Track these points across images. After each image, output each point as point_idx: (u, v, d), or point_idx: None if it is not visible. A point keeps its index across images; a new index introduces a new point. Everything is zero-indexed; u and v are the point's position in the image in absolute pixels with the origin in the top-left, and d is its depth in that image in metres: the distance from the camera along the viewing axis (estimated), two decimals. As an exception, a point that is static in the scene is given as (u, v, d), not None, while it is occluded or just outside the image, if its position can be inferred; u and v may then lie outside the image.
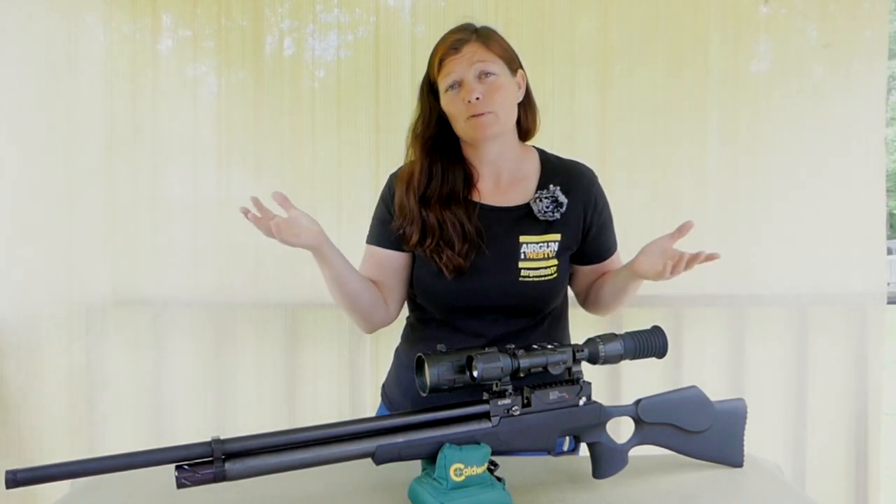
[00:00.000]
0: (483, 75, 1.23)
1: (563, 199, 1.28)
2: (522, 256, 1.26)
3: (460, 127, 1.26)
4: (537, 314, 1.31)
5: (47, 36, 2.07)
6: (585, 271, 1.38)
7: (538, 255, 1.27)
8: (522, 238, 1.27)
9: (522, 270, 1.26)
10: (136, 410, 2.11)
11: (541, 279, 1.27)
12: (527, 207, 1.29)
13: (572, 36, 2.09)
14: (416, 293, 1.34)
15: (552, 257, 1.28)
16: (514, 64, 1.29)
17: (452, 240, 1.25)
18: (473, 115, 1.22)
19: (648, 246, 1.21)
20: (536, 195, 1.29)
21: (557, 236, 1.28)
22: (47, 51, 2.07)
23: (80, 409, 2.11)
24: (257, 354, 2.13)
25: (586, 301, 1.43)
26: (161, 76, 2.10)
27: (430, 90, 1.30)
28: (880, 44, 2.04)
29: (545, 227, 1.28)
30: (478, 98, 1.21)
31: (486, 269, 1.26)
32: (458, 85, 1.23)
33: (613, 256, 1.39)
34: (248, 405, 2.13)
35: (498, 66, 1.24)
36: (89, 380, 2.11)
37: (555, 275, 1.28)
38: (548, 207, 1.27)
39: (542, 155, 1.36)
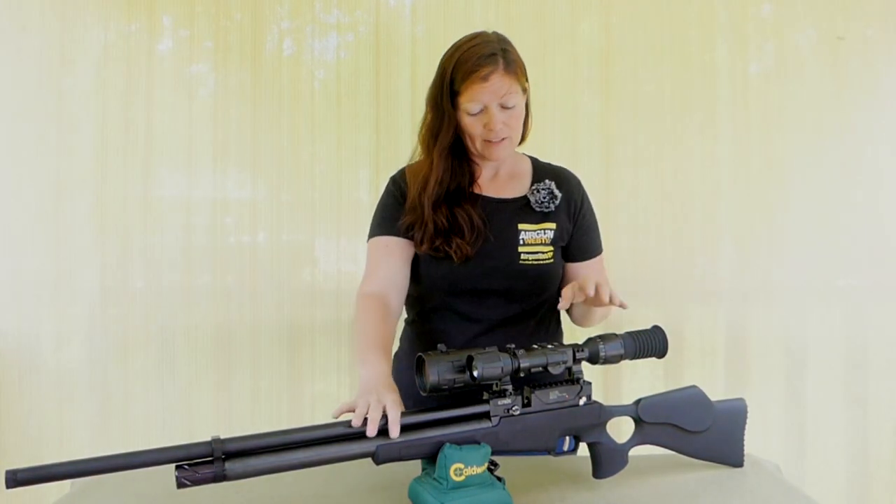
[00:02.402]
0: (505, 106, 1.29)
1: (557, 192, 1.37)
2: (521, 242, 1.34)
3: (475, 147, 1.33)
4: (535, 298, 1.35)
5: (44, 35, 2.06)
6: (571, 270, 1.41)
7: (536, 240, 1.34)
8: (521, 226, 1.35)
9: (522, 254, 1.33)
10: (132, 412, 2.10)
11: (539, 262, 1.34)
12: (524, 199, 1.37)
13: (574, 36, 2.09)
14: (421, 278, 1.36)
15: (548, 244, 1.35)
16: (525, 82, 1.34)
17: (463, 230, 1.32)
18: (491, 141, 1.30)
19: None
20: (533, 187, 1.38)
21: (553, 225, 1.36)
22: (44, 50, 2.06)
23: (75, 412, 2.10)
24: (254, 355, 2.12)
25: (570, 310, 1.43)
26: (159, 76, 2.09)
27: (450, 101, 1.31)
28: (894, 39, 2.04)
29: (541, 218, 1.36)
30: (499, 126, 1.29)
31: (489, 253, 1.32)
32: (480, 112, 1.29)
33: (596, 259, 1.44)
34: (246, 406, 2.12)
35: (518, 96, 1.30)
36: (83, 382, 2.10)
37: (551, 260, 1.35)
38: (544, 198, 1.36)
39: (534, 160, 1.46)
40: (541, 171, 1.42)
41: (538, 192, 1.36)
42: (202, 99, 2.11)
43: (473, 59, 1.28)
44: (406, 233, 1.33)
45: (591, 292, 1.10)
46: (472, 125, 1.30)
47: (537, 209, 1.35)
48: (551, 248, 1.35)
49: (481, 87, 1.26)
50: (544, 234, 1.35)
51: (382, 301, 1.29)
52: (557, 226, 1.36)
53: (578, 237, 1.40)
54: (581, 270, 1.41)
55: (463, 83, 1.28)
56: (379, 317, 1.26)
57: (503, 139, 1.30)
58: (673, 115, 2.08)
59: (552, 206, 1.35)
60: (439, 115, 1.33)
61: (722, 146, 2.09)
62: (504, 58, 1.29)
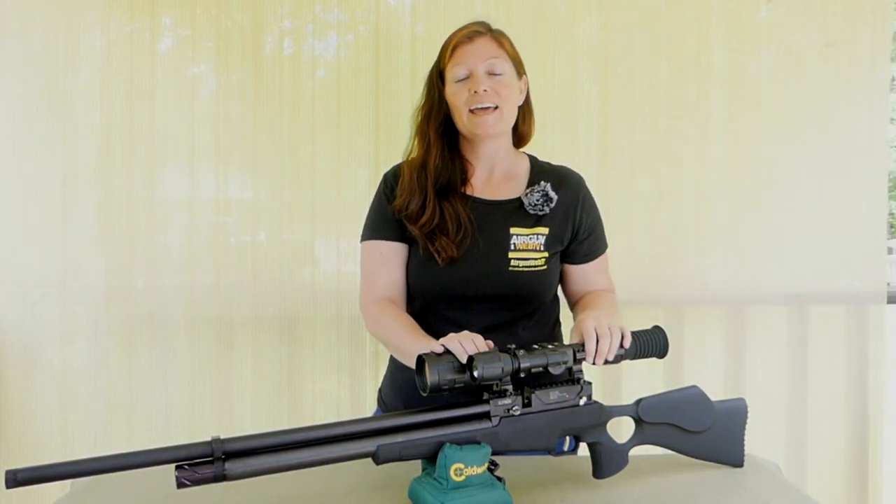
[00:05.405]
0: (492, 73, 1.28)
1: (553, 194, 1.32)
2: (512, 248, 1.29)
3: (462, 120, 1.30)
4: (526, 306, 1.32)
5: (45, 36, 2.06)
6: (575, 273, 1.39)
7: (527, 246, 1.30)
8: (513, 230, 1.30)
9: (512, 260, 1.28)
10: (134, 411, 2.10)
11: (530, 269, 1.29)
12: (518, 201, 1.33)
13: (573, 36, 2.09)
14: (409, 284, 1.35)
15: (541, 250, 1.30)
16: (520, 67, 1.34)
17: (448, 227, 1.28)
18: (478, 109, 1.27)
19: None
20: (528, 190, 1.33)
21: (545, 230, 1.31)
22: (45, 50, 2.07)
23: (78, 410, 2.10)
24: (255, 355, 2.12)
25: (573, 310, 1.42)
26: (160, 76, 2.09)
27: (439, 78, 1.33)
28: (883, 44, 2.05)
29: (535, 221, 1.31)
30: (485, 90, 1.26)
31: (477, 258, 1.29)
32: (467, 78, 1.28)
33: (601, 258, 1.41)
34: (246, 406, 2.12)
35: (507, 66, 1.30)
36: (87, 380, 2.10)
37: (544, 266, 1.30)
38: (538, 201, 1.31)
39: (533, 160, 1.41)
40: (539, 171, 1.37)
41: (532, 193, 1.31)
42: (203, 99, 2.11)
43: (461, 30, 1.31)
44: (400, 213, 1.31)
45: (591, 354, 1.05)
46: (457, 93, 1.28)
47: (531, 211, 1.31)
48: (545, 254, 1.30)
49: (466, 48, 1.28)
50: (536, 238, 1.30)
51: (393, 304, 1.31)
52: (550, 231, 1.31)
53: (581, 241, 1.36)
54: (588, 274, 1.39)
55: (449, 50, 1.30)
56: (402, 314, 1.29)
57: (491, 108, 1.26)
58: (668, 116, 2.08)
59: (546, 208, 1.31)
60: (431, 94, 1.34)
61: (716, 147, 2.09)
62: (492, 30, 1.32)
